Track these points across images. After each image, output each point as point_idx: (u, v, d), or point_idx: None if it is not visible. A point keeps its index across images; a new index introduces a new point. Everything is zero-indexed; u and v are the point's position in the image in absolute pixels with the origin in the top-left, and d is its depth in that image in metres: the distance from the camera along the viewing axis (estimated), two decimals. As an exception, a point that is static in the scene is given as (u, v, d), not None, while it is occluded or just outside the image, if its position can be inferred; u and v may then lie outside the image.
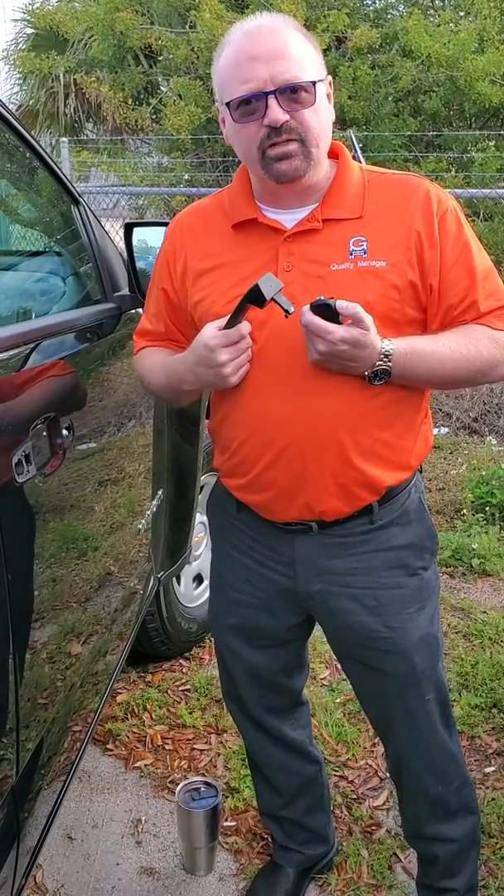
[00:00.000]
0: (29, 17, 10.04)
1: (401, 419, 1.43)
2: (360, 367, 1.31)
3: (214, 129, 7.40)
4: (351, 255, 1.34)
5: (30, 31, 10.21)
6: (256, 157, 1.33)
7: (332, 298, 1.25)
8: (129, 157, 8.55)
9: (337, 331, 1.25)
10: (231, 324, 1.30)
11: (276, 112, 1.28)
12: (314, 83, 1.30)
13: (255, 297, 1.25)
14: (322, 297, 1.24)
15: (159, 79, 8.28)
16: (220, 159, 7.49)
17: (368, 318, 1.27)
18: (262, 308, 1.27)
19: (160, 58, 7.90)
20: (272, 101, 1.28)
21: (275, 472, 1.43)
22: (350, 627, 1.53)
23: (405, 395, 1.41)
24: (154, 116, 8.01)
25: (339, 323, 1.26)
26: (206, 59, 7.12)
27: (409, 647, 1.51)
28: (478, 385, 1.52)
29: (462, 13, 7.57)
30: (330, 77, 1.37)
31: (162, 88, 8.34)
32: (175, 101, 7.34)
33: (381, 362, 1.31)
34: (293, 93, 1.28)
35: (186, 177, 7.70)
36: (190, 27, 7.38)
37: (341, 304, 1.25)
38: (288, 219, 1.39)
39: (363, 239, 1.35)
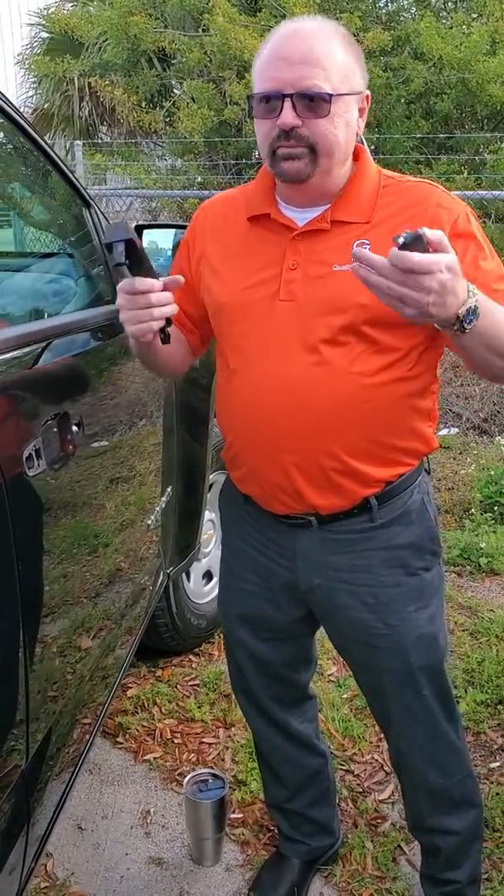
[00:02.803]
0: (44, 22, 10.12)
1: (398, 421, 1.43)
2: (459, 301, 1.15)
3: (227, 132, 7.45)
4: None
5: (45, 35, 10.28)
6: (267, 153, 1.36)
7: (418, 230, 1.08)
8: (142, 159, 8.60)
9: (443, 259, 1.09)
10: (114, 275, 1.27)
11: (288, 116, 1.30)
12: (332, 95, 1.30)
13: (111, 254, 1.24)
14: (409, 232, 1.08)
15: (173, 82, 8.35)
16: (233, 162, 7.54)
17: (447, 242, 1.12)
18: (112, 257, 1.24)
19: (174, 61, 7.97)
20: (287, 104, 1.30)
21: (263, 469, 1.46)
22: (348, 623, 1.56)
23: (405, 399, 1.42)
24: (167, 119, 8.07)
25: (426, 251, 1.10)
26: (218, 63, 7.16)
27: (405, 645, 1.53)
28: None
29: (474, 15, 7.57)
30: (367, 92, 1.37)
31: (175, 91, 8.40)
32: (188, 104, 7.39)
33: (470, 297, 1.17)
34: (310, 101, 1.30)
35: (199, 179, 7.76)
36: (203, 30, 7.43)
37: (427, 232, 1.08)
38: (301, 217, 1.41)
39: (366, 242, 1.36)
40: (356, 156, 1.43)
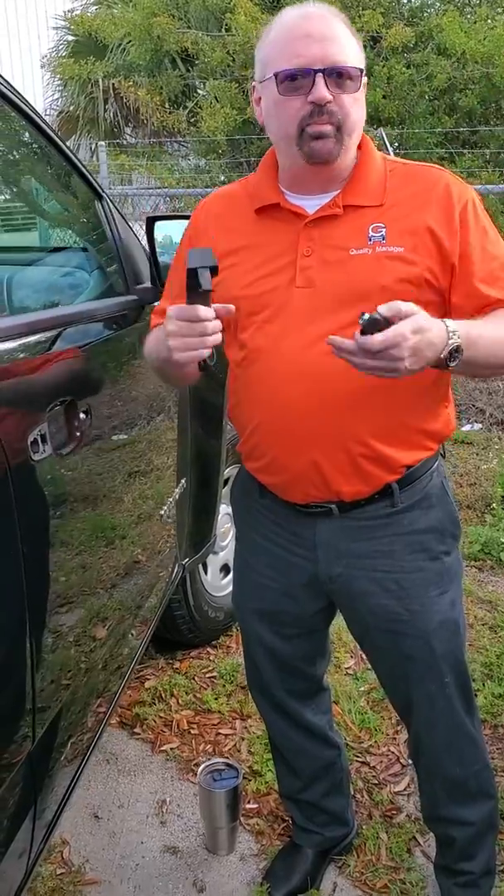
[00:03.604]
0: (69, 25, 10.23)
1: (419, 403, 1.44)
2: (437, 349, 1.21)
3: (250, 131, 7.46)
4: (370, 240, 1.36)
5: (70, 38, 10.40)
6: (294, 133, 1.34)
7: (371, 313, 1.16)
8: (166, 159, 8.65)
9: (404, 329, 1.15)
10: (188, 299, 1.23)
11: (322, 89, 1.29)
12: (361, 70, 1.33)
13: (192, 279, 1.20)
14: (365, 314, 1.15)
15: (196, 82, 8.39)
16: (256, 160, 7.55)
17: (408, 304, 1.19)
18: (197, 285, 1.20)
19: (196, 61, 8.00)
20: (319, 78, 1.29)
21: (288, 456, 1.45)
22: (370, 610, 1.55)
23: (424, 380, 1.42)
24: (191, 119, 8.11)
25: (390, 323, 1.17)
26: (241, 62, 7.18)
27: (428, 631, 1.53)
28: None
29: (498, 10, 7.53)
30: (365, 78, 1.39)
31: (198, 91, 8.44)
32: (211, 103, 7.42)
33: (451, 339, 1.23)
34: (339, 77, 1.31)
35: (223, 178, 7.78)
36: (226, 30, 7.46)
37: (382, 309, 1.16)
38: (310, 205, 1.41)
39: (382, 225, 1.37)
40: (360, 144, 1.43)
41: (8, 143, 1.81)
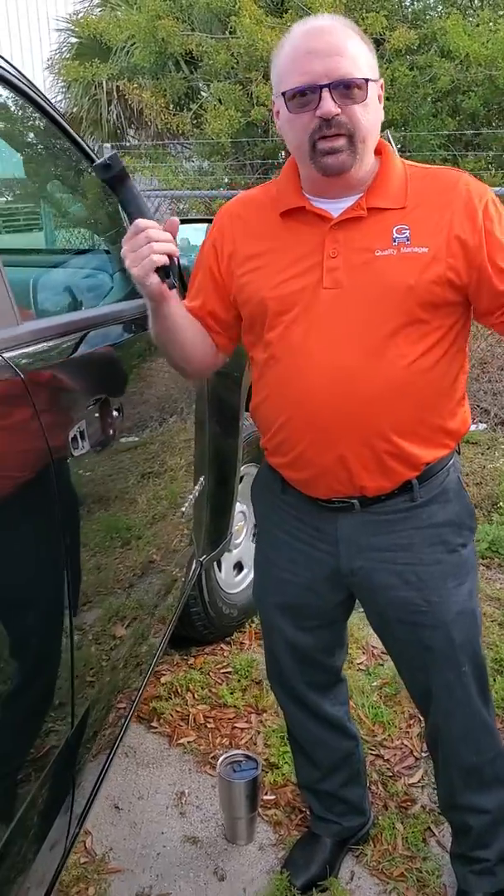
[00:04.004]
0: (73, 27, 10.26)
1: (440, 402, 1.49)
2: None
3: (254, 133, 7.51)
4: (394, 241, 1.41)
5: (73, 40, 10.43)
6: (307, 147, 1.39)
7: None
8: (170, 161, 8.69)
9: None
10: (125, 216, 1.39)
11: (329, 104, 1.34)
12: (367, 80, 1.37)
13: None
14: None
15: (200, 84, 8.44)
16: (260, 162, 7.60)
17: None
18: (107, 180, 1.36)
19: (201, 63, 8.04)
20: (326, 93, 1.34)
21: (315, 451, 1.50)
22: (390, 602, 1.60)
23: (445, 379, 1.48)
24: (195, 121, 8.15)
25: None
26: (245, 64, 7.23)
27: (447, 621, 1.57)
28: None
29: (501, 12, 7.58)
30: (382, 80, 1.43)
31: (202, 93, 8.49)
32: (215, 105, 7.47)
33: None
34: (346, 88, 1.35)
35: (227, 180, 7.84)
36: (230, 33, 7.50)
37: None
38: (334, 208, 1.45)
39: (405, 227, 1.41)
40: (380, 150, 1.48)
41: (41, 152, 1.86)
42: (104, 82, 9.39)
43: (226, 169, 7.84)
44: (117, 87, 9.11)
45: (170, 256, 1.36)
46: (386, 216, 1.43)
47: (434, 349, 1.44)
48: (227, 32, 7.63)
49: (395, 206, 1.43)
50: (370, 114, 1.39)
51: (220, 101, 7.47)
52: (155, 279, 1.37)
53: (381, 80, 1.43)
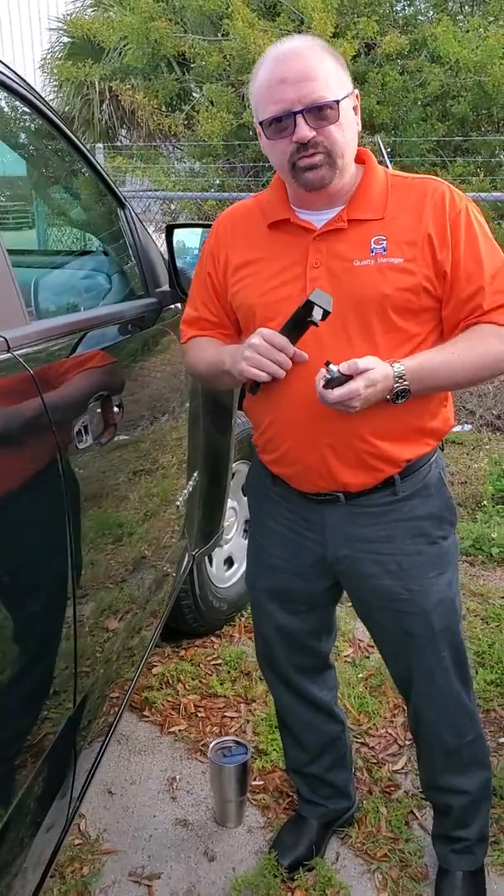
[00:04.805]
0: (65, 27, 10.29)
1: (420, 405, 1.56)
2: (385, 394, 1.46)
3: (246, 136, 7.57)
4: (372, 252, 1.49)
5: (66, 40, 10.46)
6: (287, 168, 1.49)
7: (331, 367, 1.39)
8: (162, 162, 8.74)
9: (358, 385, 1.40)
10: (283, 329, 1.45)
11: (304, 130, 1.43)
12: (338, 101, 1.44)
13: (305, 310, 1.41)
14: (324, 372, 1.40)
15: (192, 86, 8.48)
16: (251, 164, 7.66)
17: (364, 360, 1.41)
18: (311, 321, 1.42)
19: (193, 65, 8.09)
20: (300, 119, 1.43)
21: (300, 450, 1.58)
22: (374, 590, 1.68)
23: None
24: (187, 122, 8.20)
25: (349, 378, 1.40)
26: (237, 67, 7.28)
27: (427, 609, 1.65)
28: (493, 378, 1.65)
29: (490, 19, 7.67)
30: (356, 91, 1.51)
31: (195, 95, 8.53)
32: (207, 107, 7.51)
33: (398, 384, 1.45)
34: (319, 111, 1.43)
35: (218, 182, 7.89)
36: (222, 35, 7.55)
37: (342, 367, 1.40)
38: (317, 219, 1.54)
39: (383, 237, 1.50)
40: (363, 160, 1.56)
41: (46, 159, 1.92)
42: (96, 82, 9.43)
43: (217, 171, 7.89)
44: (110, 87, 9.14)
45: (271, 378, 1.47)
46: (366, 227, 1.51)
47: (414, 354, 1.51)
48: (219, 35, 7.69)
49: (375, 217, 1.51)
50: (345, 130, 1.47)
51: (211, 103, 7.51)
52: (246, 379, 1.50)
53: (356, 91, 1.51)
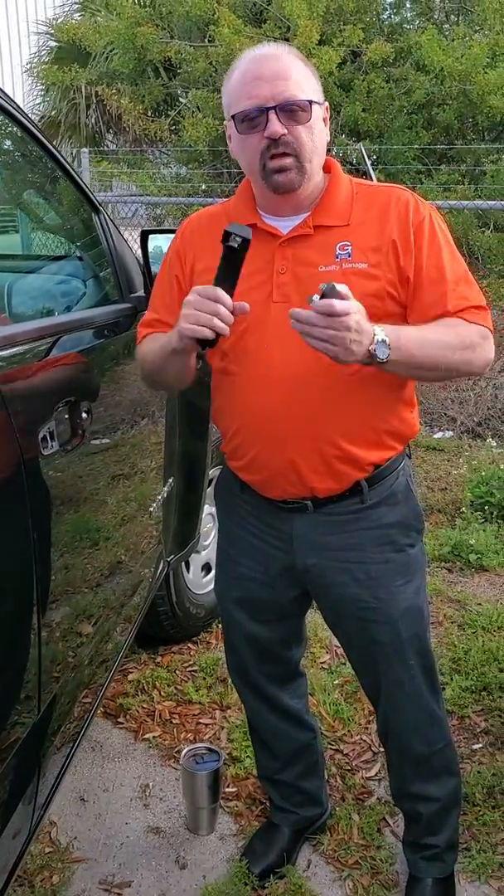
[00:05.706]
0: (52, 31, 10.30)
1: (388, 407, 1.58)
2: (365, 340, 1.34)
3: (231, 141, 7.59)
4: (337, 258, 1.50)
5: (52, 44, 10.47)
6: (257, 167, 1.49)
7: (331, 283, 1.30)
8: (148, 167, 8.75)
9: (354, 305, 1.31)
10: (216, 280, 1.38)
11: (276, 125, 1.44)
12: (311, 102, 1.47)
13: (227, 245, 1.35)
14: (325, 285, 1.29)
15: (178, 91, 8.49)
16: (237, 170, 7.67)
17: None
18: (236, 256, 1.35)
19: (179, 71, 8.11)
20: (272, 115, 1.44)
21: (266, 456, 1.58)
22: (342, 598, 1.68)
23: (392, 385, 1.56)
24: (173, 128, 8.21)
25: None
26: (223, 72, 7.31)
27: (395, 617, 1.66)
28: (466, 372, 1.61)
29: (475, 28, 7.72)
30: (327, 103, 1.53)
31: (181, 100, 8.54)
32: (193, 112, 7.53)
33: (377, 334, 1.36)
34: (291, 110, 1.45)
35: (204, 187, 7.90)
36: (209, 41, 7.57)
37: (339, 288, 1.31)
38: (284, 225, 1.55)
39: (348, 243, 1.51)
40: (329, 168, 1.58)
41: (16, 162, 1.92)
42: (83, 87, 9.44)
43: (203, 176, 7.90)
44: (96, 91, 9.15)
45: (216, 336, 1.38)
46: (331, 233, 1.52)
47: None
48: (205, 41, 7.70)
49: (340, 224, 1.52)
50: (315, 134, 1.49)
51: (198, 108, 7.53)
52: (192, 341, 1.41)
53: (326, 104, 1.53)
